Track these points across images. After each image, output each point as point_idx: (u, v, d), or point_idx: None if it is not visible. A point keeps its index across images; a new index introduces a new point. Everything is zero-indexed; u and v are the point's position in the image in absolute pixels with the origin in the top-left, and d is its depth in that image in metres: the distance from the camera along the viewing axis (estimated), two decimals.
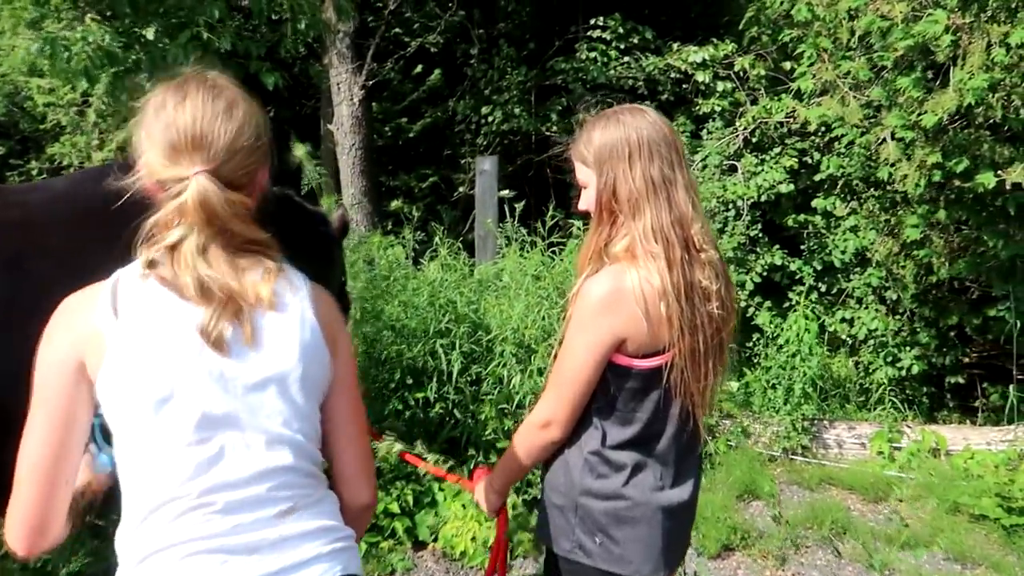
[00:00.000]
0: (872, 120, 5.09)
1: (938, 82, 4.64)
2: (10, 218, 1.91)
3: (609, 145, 1.75)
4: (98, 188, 2.07)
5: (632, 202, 1.72)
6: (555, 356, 1.81)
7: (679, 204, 1.72)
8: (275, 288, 1.36)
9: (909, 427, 5.51)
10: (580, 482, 1.80)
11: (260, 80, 5.52)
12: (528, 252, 5.39)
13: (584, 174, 1.83)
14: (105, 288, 1.32)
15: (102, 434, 1.49)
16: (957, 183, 4.98)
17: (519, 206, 5.48)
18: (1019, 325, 5.50)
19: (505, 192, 5.84)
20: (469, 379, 4.65)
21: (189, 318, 1.29)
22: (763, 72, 7.50)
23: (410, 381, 4.53)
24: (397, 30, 9.96)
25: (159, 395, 1.26)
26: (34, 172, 8.57)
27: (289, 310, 1.37)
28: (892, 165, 4.96)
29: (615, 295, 1.69)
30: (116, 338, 1.28)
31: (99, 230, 1.92)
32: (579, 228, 5.69)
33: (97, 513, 1.57)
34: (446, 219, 7.96)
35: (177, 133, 1.32)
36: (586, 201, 1.85)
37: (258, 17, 5.16)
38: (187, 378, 1.27)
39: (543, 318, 4.74)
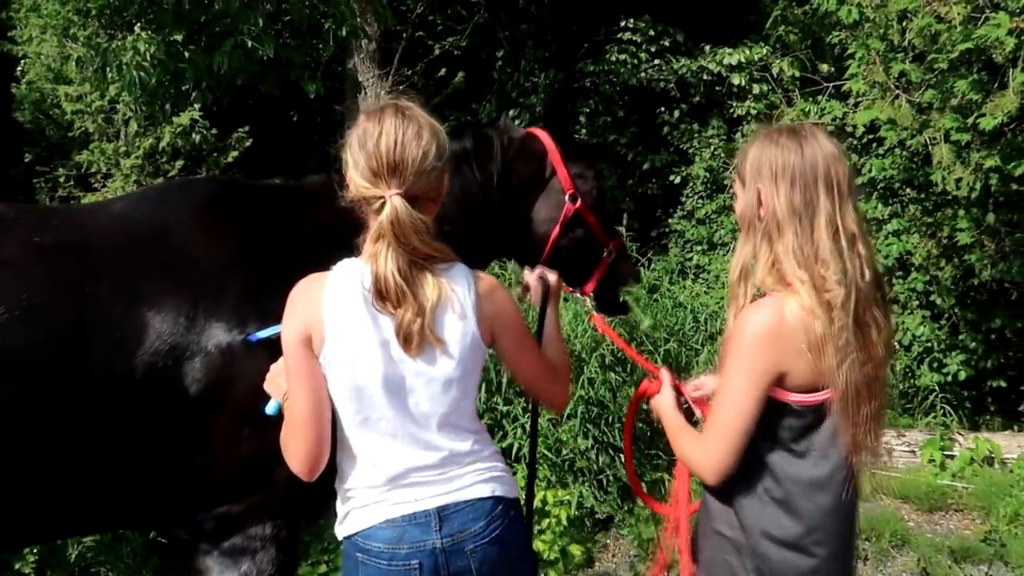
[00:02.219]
0: (923, 122, 5.00)
1: (996, 84, 4.55)
2: (72, 241, 1.92)
3: (758, 162, 1.74)
4: (158, 210, 2.06)
5: (776, 222, 1.69)
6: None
7: (819, 240, 1.65)
8: (444, 297, 1.63)
9: (961, 434, 5.43)
10: (757, 525, 1.72)
11: (298, 87, 5.47)
12: None
13: (736, 185, 1.86)
14: (324, 281, 1.64)
15: None
16: (1015, 186, 4.89)
17: None
18: None
19: None
20: (516, 389, 4.59)
21: (381, 320, 1.61)
22: (796, 73, 7.43)
23: None
24: (421, 33, 9.90)
25: (355, 383, 1.62)
26: (61, 179, 8.52)
27: (455, 317, 1.65)
28: (945, 168, 4.87)
29: (774, 325, 1.65)
30: (329, 328, 1.60)
31: (155, 254, 1.95)
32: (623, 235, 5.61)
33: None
34: None
35: (376, 160, 1.60)
36: (736, 210, 1.88)
37: (299, 24, 5.12)
38: (376, 372, 1.61)
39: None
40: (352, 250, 2.10)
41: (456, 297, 1.65)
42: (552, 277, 2.19)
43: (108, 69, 4.15)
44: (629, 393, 4.51)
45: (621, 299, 2.73)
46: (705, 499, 1.86)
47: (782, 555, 1.71)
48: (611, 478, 4.45)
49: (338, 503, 1.75)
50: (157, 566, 3.28)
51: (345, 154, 1.66)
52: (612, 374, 4.58)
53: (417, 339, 1.59)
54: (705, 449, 1.73)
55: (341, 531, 1.72)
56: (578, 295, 2.74)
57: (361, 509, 1.68)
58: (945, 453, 5.30)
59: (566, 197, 2.55)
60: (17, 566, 2.95)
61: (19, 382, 1.74)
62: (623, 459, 4.44)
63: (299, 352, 1.62)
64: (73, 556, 3.09)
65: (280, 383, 1.76)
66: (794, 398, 1.68)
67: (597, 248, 2.64)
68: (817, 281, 1.64)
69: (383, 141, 1.59)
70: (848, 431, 1.67)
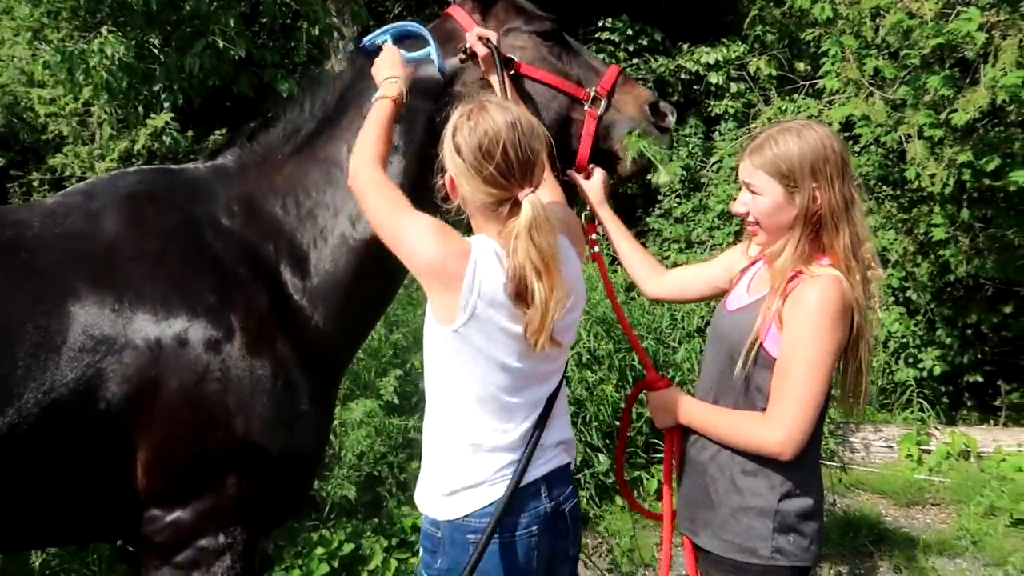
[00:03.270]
0: (896, 119, 5.03)
1: (967, 80, 4.58)
2: (4, 240, 1.88)
3: (810, 161, 1.80)
4: (86, 204, 1.99)
5: (835, 217, 1.80)
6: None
7: (860, 223, 1.82)
8: (568, 295, 1.63)
9: (937, 429, 5.45)
10: (780, 484, 1.84)
11: (274, 88, 5.43)
12: None
13: (763, 182, 1.85)
14: (472, 252, 1.62)
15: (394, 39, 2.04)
16: (987, 182, 4.92)
17: None
18: None
19: None
20: None
21: (515, 316, 1.63)
22: (773, 72, 7.45)
23: None
24: None
25: (495, 361, 1.65)
26: (35, 183, 8.39)
27: (574, 305, 1.72)
28: (919, 164, 4.89)
29: (844, 302, 1.76)
30: (468, 302, 1.60)
31: (82, 248, 1.90)
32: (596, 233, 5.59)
33: None
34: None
35: (506, 164, 1.59)
36: (755, 207, 1.88)
37: (272, 24, 5.08)
38: (511, 359, 1.65)
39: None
40: (280, 217, 2.05)
41: (576, 285, 1.71)
42: (491, 36, 2.06)
43: (75, 72, 4.09)
44: (605, 391, 4.50)
45: (629, 155, 2.16)
46: (714, 479, 1.92)
47: (794, 506, 1.84)
48: (588, 476, 4.44)
49: (437, 484, 1.75)
50: (125, 572, 3.23)
51: (451, 160, 1.65)
52: (588, 372, 4.57)
53: (543, 341, 1.61)
54: (785, 425, 1.79)
55: (445, 512, 1.73)
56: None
57: (473, 489, 1.70)
58: (922, 448, 5.33)
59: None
60: None
61: None
62: (599, 458, 4.42)
63: (418, 267, 1.65)
64: (37, 563, 3.04)
65: (385, 73, 1.90)
66: None
67: (571, 104, 2.15)
68: (863, 261, 1.81)
69: (510, 146, 1.59)
70: (863, 386, 1.85)
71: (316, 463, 2.11)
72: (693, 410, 1.97)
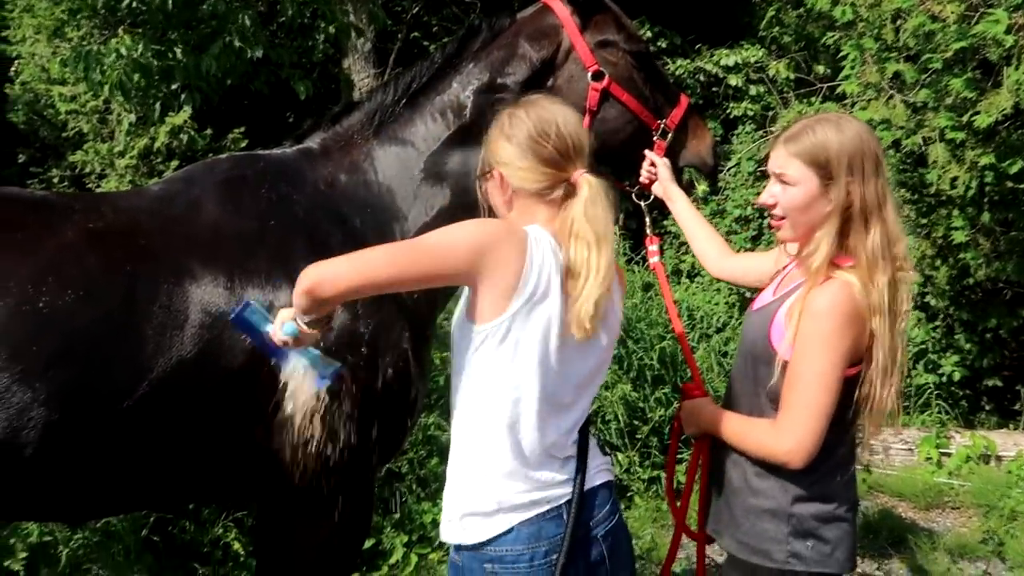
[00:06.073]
0: (917, 121, 5.00)
1: (990, 82, 4.55)
2: (119, 225, 2.01)
3: (848, 155, 1.76)
4: (187, 190, 2.14)
5: (866, 215, 1.76)
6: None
7: (893, 221, 1.78)
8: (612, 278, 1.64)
9: (957, 432, 5.42)
10: (793, 487, 1.82)
11: (291, 87, 5.46)
12: None
13: (798, 172, 1.81)
14: (526, 242, 1.58)
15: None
16: (1010, 184, 4.89)
17: None
18: None
19: None
20: None
21: (564, 303, 1.59)
22: (791, 75, 7.43)
23: None
24: (416, 34, 9.90)
25: (543, 358, 1.60)
26: (55, 180, 8.49)
27: (615, 297, 1.73)
28: (941, 167, 4.87)
29: (852, 308, 1.73)
30: (523, 288, 1.55)
31: (189, 231, 2.04)
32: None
33: None
34: None
35: (563, 144, 1.64)
36: (785, 199, 1.84)
37: (290, 22, 5.11)
38: (553, 351, 1.60)
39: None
40: (363, 193, 2.17)
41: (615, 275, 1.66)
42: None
43: (91, 72, 4.15)
44: (624, 391, 4.50)
45: (684, 180, 2.40)
46: (731, 479, 1.92)
47: (810, 510, 1.82)
48: None
49: (454, 502, 1.68)
50: (150, 564, 3.26)
51: (502, 151, 1.67)
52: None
53: (589, 321, 1.55)
54: (794, 434, 1.77)
55: (458, 538, 1.66)
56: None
57: (487, 516, 1.62)
58: (941, 451, 5.29)
59: (588, 77, 2.19)
60: (7, 563, 2.92)
61: (87, 360, 1.81)
62: (618, 457, 4.43)
63: (458, 257, 1.54)
64: (64, 554, 3.07)
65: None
66: (848, 371, 1.77)
67: (643, 132, 2.28)
68: (892, 262, 1.76)
69: (564, 127, 1.65)
70: (870, 406, 1.78)
71: (415, 412, 2.24)
72: (713, 418, 1.95)
